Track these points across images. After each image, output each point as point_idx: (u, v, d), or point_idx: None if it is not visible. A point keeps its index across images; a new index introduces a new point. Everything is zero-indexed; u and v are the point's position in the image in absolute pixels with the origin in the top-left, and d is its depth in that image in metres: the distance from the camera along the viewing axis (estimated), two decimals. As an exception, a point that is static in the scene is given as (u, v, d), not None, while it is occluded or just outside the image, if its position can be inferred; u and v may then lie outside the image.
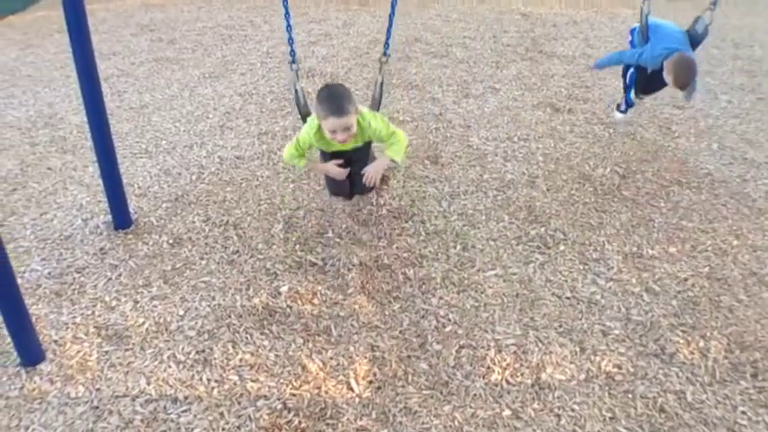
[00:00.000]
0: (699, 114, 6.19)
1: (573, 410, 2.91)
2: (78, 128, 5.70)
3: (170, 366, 3.13)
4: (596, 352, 3.25)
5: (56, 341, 3.28)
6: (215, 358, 3.17)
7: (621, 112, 5.71)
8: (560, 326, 3.42)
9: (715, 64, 7.73)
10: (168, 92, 6.66)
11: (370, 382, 3.06)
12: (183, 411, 2.88)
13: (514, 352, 3.24)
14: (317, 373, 3.09)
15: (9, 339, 3.12)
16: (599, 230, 4.27)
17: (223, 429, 2.80)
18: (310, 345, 3.27)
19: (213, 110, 6.19)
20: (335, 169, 3.73)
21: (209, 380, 3.05)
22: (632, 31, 5.17)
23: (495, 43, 8.42)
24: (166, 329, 3.36)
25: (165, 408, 2.90)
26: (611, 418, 2.88)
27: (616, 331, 3.39)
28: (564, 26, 9.35)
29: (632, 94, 5.39)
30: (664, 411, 2.92)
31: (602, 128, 5.83)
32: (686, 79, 4.41)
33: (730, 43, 8.61)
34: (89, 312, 3.49)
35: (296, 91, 3.79)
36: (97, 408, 2.90)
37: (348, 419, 2.86)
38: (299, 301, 3.58)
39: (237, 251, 4.01)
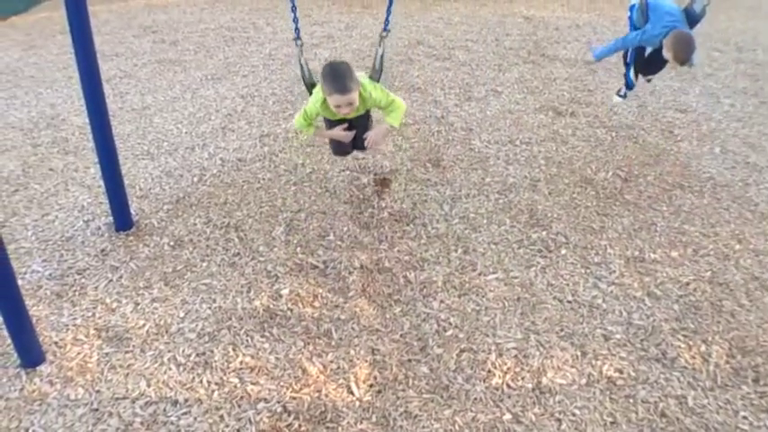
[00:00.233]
0: (701, 118, 6.18)
1: (574, 415, 2.90)
2: (80, 129, 5.70)
3: (170, 369, 3.12)
4: (597, 356, 3.24)
5: (56, 343, 3.28)
6: (215, 361, 3.17)
7: (621, 96, 5.69)
8: (561, 330, 3.41)
9: (718, 67, 7.72)
10: (170, 93, 6.66)
11: (371, 385, 3.05)
12: (183, 414, 2.88)
13: (515, 356, 3.23)
14: (318, 377, 3.09)
15: (9, 341, 3.12)
16: (601, 234, 4.26)
17: (223, 432, 2.81)
18: (311, 348, 3.26)
19: (215, 112, 6.19)
20: (341, 133, 3.97)
21: (209, 382, 3.04)
22: (631, 8, 5.17)
23: (497, 46, 8.42)
24: (167, 331, 3.36)
25: (165, 410, 2.90)
26: (612, 423, 2.87)
27: (617, 335, 3.38)
28: (566, 30, 9.35)
29: (632, 74, 5.38)
30: (665, 416, 2.91)
31: (605, 131, 5.82)
32: (685, 55, 4.40)
33: (733, 47, 8.61)
34: (90, 314, 3.48)
35: (301, 65, 3.93)
36: (97, 410, 2.89)
37: (348, 423, 2.85)
38: (300, 304, 3.57)
39: (238, 253, 4.01)
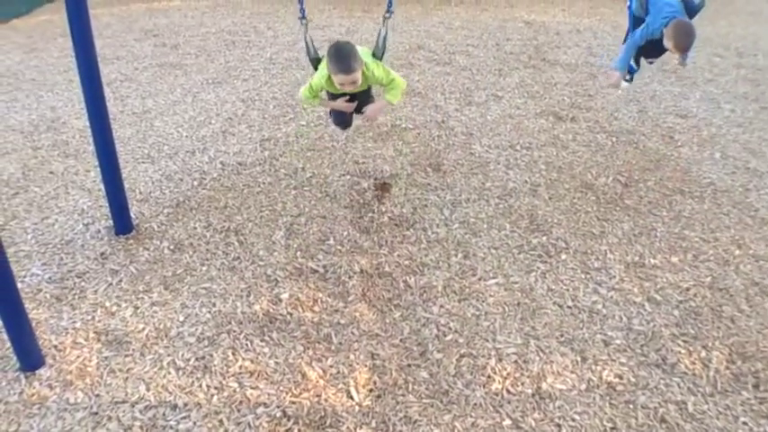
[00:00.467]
0: (702, 123, 6.19)
1: (573, 420, 2.90)
2: (81, 132, 5.70)
3: (170, 373, 3.12)
4: (597, 362, 3.24)
5: (55, 346, 3.27)
6: (215, 365, 3.17)
7: (626, 81, 5.73)
8: (561, 335, 3.41)
9: (718, 73, 7.73)
10: (171, 97, 6.66)
11: (371, 390, 3.05)
12: (182, 418, 2.87)
13: (515, 361, 3.23)
14: (317, 381, 3.08)
15: (9, 344, 3.12)
16: (601, 239, 4.26)
17: (222, 437, 2.80)
18: (310, 352, 3.26)
19: (216, 115, 6.19)
20: (344, 104, 4.11)
21: (208, 387, 3.04)
22: (631, 0, 5.19)
23: (498, 51, 8.43)
24: (166, 335, 3.35)
25: (164, 414, 2.89)
26: (611, 429, 2.86)
27: (617, 341, 3.38)
28: (567, 34, 9.36)
29: (632, 61, 5.41)
30: (665, 422, 2.90)
31: (605, 136, 5.83)
32: (686, 43, 4.40)
33: (734, 52, 8.62)
34: (89, 318, 3.48)
35: (306, 42, 4.03)
36: (96, 414, 2.89)
37: (348, 428, 2.84)
38: (300, 309, 3.57)
39: (238, 257, 4.01)
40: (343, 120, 4.47)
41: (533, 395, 3.03)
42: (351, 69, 3.56)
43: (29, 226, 4.31)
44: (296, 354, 3.24)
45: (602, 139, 5.78)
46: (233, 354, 3.24)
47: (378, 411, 2.93)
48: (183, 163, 5.22)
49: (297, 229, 4.31)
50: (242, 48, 8.50)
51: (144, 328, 3.40)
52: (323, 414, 2.90)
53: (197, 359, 3.20)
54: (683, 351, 3.32)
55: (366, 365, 3.19)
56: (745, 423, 2.90)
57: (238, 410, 2.91)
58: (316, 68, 4.00)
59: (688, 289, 3.80)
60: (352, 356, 3.24)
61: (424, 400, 2.99)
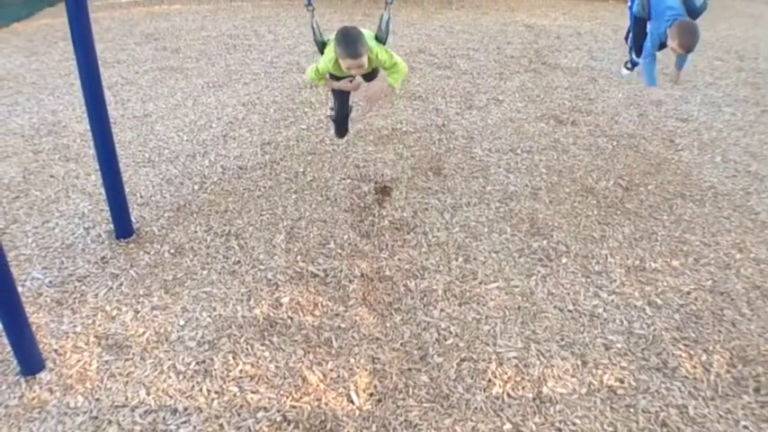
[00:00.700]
0: (702, 127, 6.19)
1: (574, 424, 2.89)
2: (81, 136, 5.71)
3: (170, 377, 3.12)
4: (598, 365, 3.23)
5: (56, 350, 3.27)
6: (215, 369, 3.16)
7: (628, 69, 5.78)
8: (562, 339, 3.41)
9: (719, 76, 7.74)
10: (172, 101, 6.67)
11: (371, 394, 3.04)
12: (182, 422, 2.87)
13: (516, 365, 3.23)
14: (318, 385, 3.08)
15: (9, 348, 3.11)
16: (601, 243, 4.26)
17: (222, 441, 2.80)
18: (311, 356, 3.26)
19: (216, 119, 6.20)
20: (348, 84, 4.16)
21: (209, 391, 3.04)
22: (632, 1, 5.22)
23: (498, 55, 8.44)
24: (167, 339, 3.35)
25: (164, 419, 2.89)
26: (612, 433, 2.86)
27: (618, 345, 3.37)
28: (567, 38, 9.38)
29: (634, 55, 5.47)
30: (666, 426, 2.90)
31: (606, 140, 5.83)
32: (690, 42, 4.40)
33: (735, 55, 8.62)
34: (89, 321, 3.48)
35: (313, 27, 4.16)
36: (96, 418, 2.88)
37: (348, 432, 2.85)
38: (300, 313, 3.57)
39: (239, 261, 4.01)
40: (344, 99, 4.56)
41: (534, 399, 3.03)
42: (358, 54, 3.68)
43: (29, 230, 4.31)
44: (296, 358, 3.24)
45: (602, 142, 5.78)
46: (233, 358, 3.23)
47: (378, 415, 2.93)
48: (184, 167, 5.22)
49: (297, 233, 4.31)
50: (243, 51, 8.51)
51: (144, 332, 3.40)
52: (323, 418, 2.90)
53: (197, 363, 3.20)
54: (683, 355, 3.31)
55: (366, 369, 3.19)
56: (746, 427, 2.90)
57: (239, 415, 2.91)
58: (321, 52, 4.11)
59: (689, 293, 3.80)
60: (352, 360, 3.24)
61: (425, 405, 2.99)
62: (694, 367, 3.23)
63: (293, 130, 5.91)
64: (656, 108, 6.55)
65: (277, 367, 3.18)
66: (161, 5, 11.20)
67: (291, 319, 3.52)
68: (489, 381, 3.12)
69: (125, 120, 6.15)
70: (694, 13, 4.67)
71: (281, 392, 3.03)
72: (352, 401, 3.00)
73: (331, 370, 3.18)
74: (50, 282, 3.80)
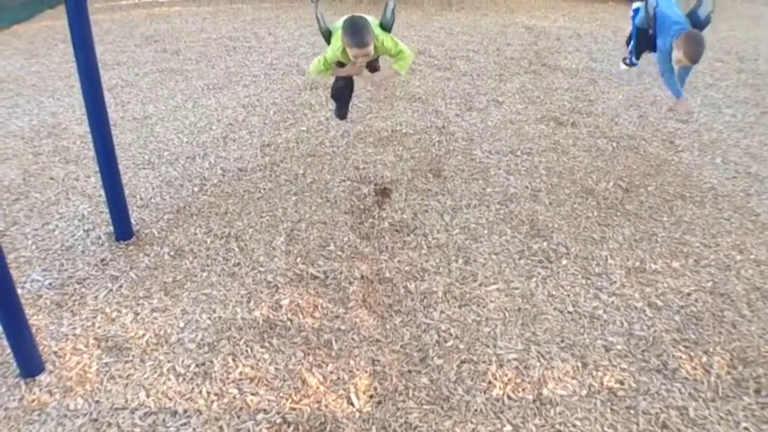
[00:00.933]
0: (702, 128, 6.19)
1: (574, 426, 2.89)
2: (81, 138, 5.71)
3: (170, 379, 3.11)
4: (598, 367, 3.23)
5: (55, 352, 3.27)
6: (215, 371, 3.16)
7: (627, 64, 5.79)
8: (562, 341, 3.40)
9: (719, 77, 7.74)
10: (172, 103, 6.67)
11: (371, 396, 3.04)
12: (182, 425, 2.86)
13: (516, 367, 3.22)
14: (318, 387, 3.08)
15: (9, 350, 3.11)
16: (602, 245, 4.26)
17: (222, 443, 2.80)
18: (311, 358, 3.26)
19: (216, 121, 6.20)
20: (354, 68, 4.27)
21: (208, 393, 3.03)
22: (635, 10, 5.21)
23: (498, 56, 8.44)
24: (166, 342, 3.35)
25: (164, 421, 2.88)
26: (613, 435, 2.86)
27: (618, 346, 3.37)
28: (567, 39, 9.38)
29: (634, 58, 5.47)
30: (666, 427, 2.89)
31: (606, 141, 5.83)
32: (696, 53, 4.39)
33: (735, 57, 8.63)
34: (89, 324, 3.48)
35: (317, 17, 4.24)
36: (96, 420, 2.88)
37: (348, 434, 2.84)
38: (300, 315, 3.57)
39: (239, 263, 4.01)
40: (345, 86, 4.64)
41: (534, 401, 3.02)
42: (365, 43, 3.81)
43: (29, 232, 4.31)
44: (296, 360, 3.24)
45: (602, 144, 5.78)
46: (233, 360, 3.23)
47: (378, 417, 2.92)
48: (184, 169, 5.22)
49: (297, 235, 4.30)
50: (243, 53, 8.51)
51: (144, 335, 3.40)
52: (323, 420, 2.90)
53: (197, 365, 3.19)
54: (684, 356, 3.31)
55: (366, 371, 3.18)
56: (746, 429, 2.90)
57: (238, 417, 2.91)
58: (326, 41, 4.19)
59: (689, 294, 3.80)
60: (352, 362, 3.24)
61: (425, 407, 2.98)
62: (695, 369, 3.23)
63: (293, 132, 5.91)
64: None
65: (277, 369, 3.18)
66: (161, 7, 11.20)
67: (291, 321, 3.51)
68: (489, 383, 3.12)
69: (125, 122, 6.15)
70: (699, 26, 4.66)
71: (281, 394, 3.03)
72: (352, 403, 3.00)
73: (331, 372, 3.17)
74: (50, 284, 3.80)
